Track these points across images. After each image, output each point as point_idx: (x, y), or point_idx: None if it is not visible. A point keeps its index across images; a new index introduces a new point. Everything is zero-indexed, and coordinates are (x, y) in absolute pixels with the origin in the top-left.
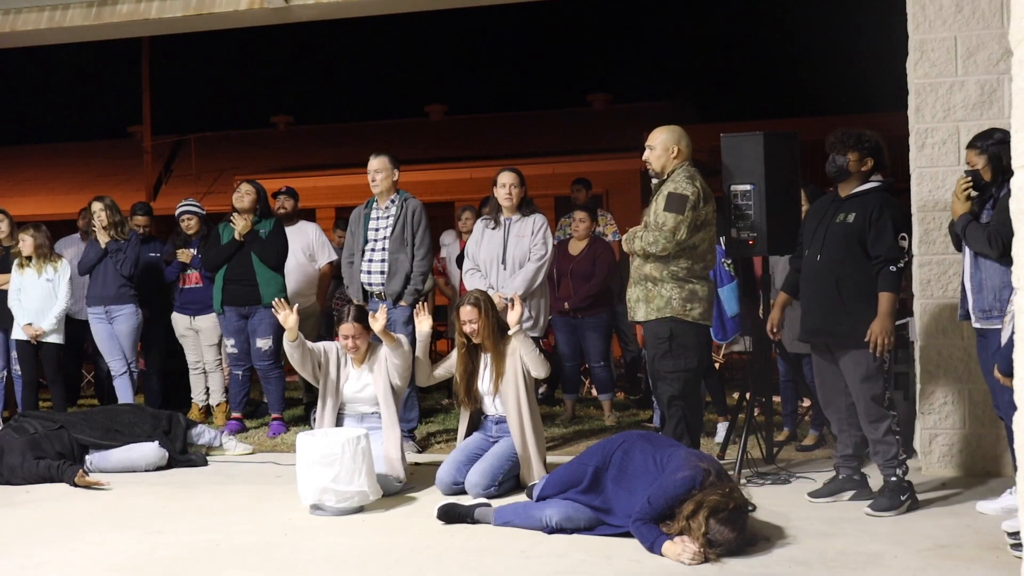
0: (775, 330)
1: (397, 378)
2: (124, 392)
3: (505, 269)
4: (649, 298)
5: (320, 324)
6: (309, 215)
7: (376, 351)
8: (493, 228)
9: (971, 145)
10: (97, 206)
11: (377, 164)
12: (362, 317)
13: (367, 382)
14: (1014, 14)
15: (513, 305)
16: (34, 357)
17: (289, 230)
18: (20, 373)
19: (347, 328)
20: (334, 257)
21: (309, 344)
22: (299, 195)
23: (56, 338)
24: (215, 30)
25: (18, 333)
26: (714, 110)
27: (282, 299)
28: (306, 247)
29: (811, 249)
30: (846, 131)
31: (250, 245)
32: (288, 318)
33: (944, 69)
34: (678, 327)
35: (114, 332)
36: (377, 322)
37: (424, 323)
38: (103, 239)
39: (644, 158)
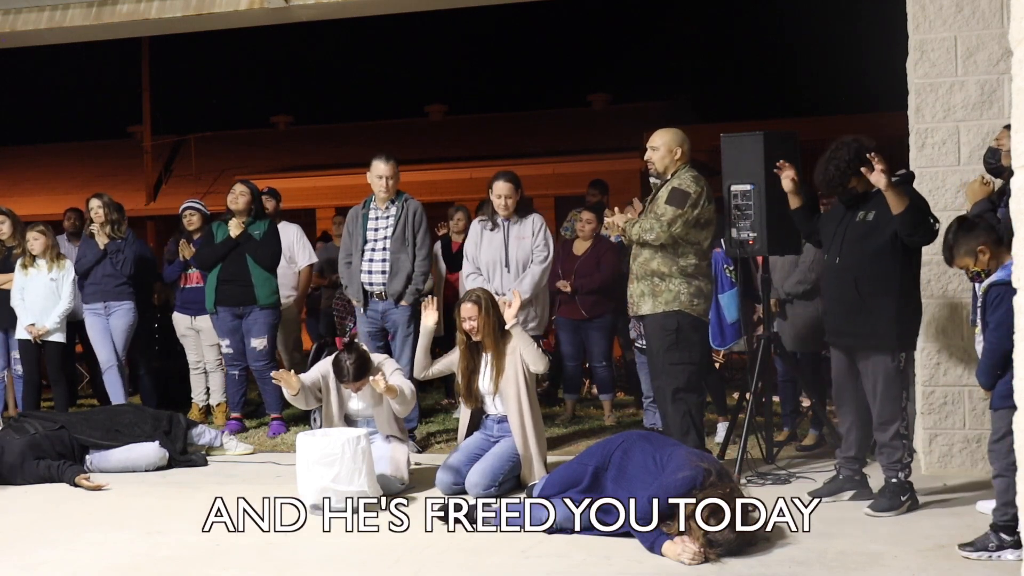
0: None
1: (399, 414)
2: (114, 385)
3: (509, 272)
4: (656, 292)
5: (299, 327)
6: (309, 215)
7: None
8: (492, 230)
9: (1009, 126)
10: (95, 203)
11: (389, 170)
12: (361, 372)
13: (369, 403)
14: (1014, 14)
15: (510, 302)
16: (37, 357)
17: None
18: (21, 373)
19: (348, 386)
20: (314, 260)
21: (307, 381)
22: (289, 196)
23: (59, 337)
24: (215, 30)
25: (20, 333)
26: (714, 110)
27: (280, 371)
28: (287, 248)
29: (829, 253)
30: (841, 159)
31: (244, 246)
32: (291, 381)
33: (944, 69)
34: (685, 320)
35: (108, 327)
36: (378, 385)
37: (429, 317)
38: (102, 239)
39: (647, 158)
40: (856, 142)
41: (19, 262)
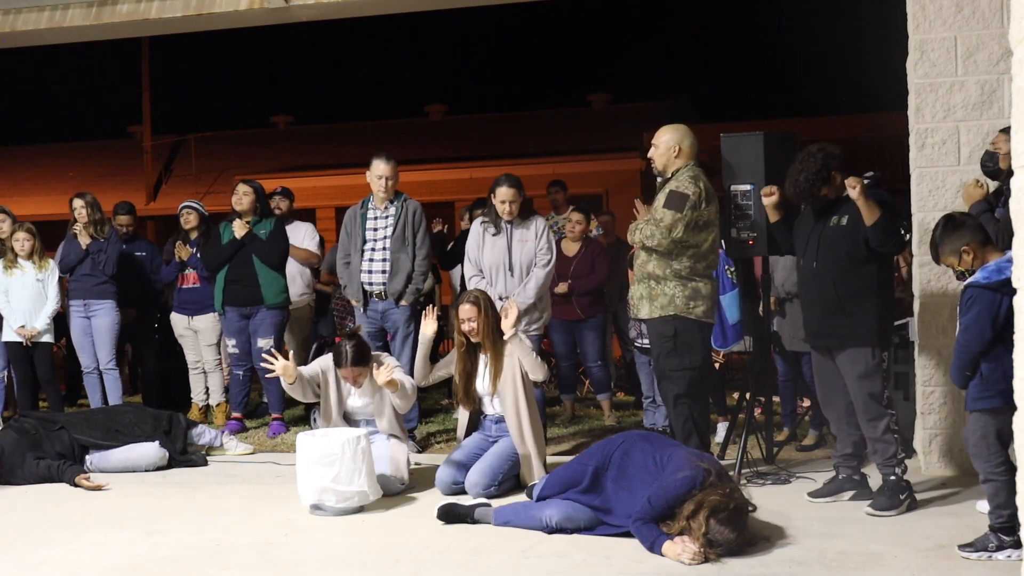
0: None
1: (400, 409)
2: (93, 390)
3: (512, 276)
4: (653, 296)
5: (311, 322)
6: (309, 215)
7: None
8: (494, 234)
9: (1005, 129)
10: (78, 203)
11: (389, 170)
12: (360, 359)
13: (369, 400)
14: (1014, 14)
15: (508, 312)
16: (27, 358)
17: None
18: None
19: (346, 372)
20: (314, 247)
21: (306, 373)
22: (295, 195)
23: (49, 338)
24: (215, 30)
25: (8, 335)
26: (714, 110)
27: (271, 351)
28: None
29: (806, 257)
30: (810, 170)
31: (250, 246)
32: (287, 369)
33: (944, 69)
34: (682, 325)
35: (90, 329)
36: (381, 376)
37: (428, 326)
38: (84, 239)
39: (648, 155)
40: (822, 151)
41: (0, 263)
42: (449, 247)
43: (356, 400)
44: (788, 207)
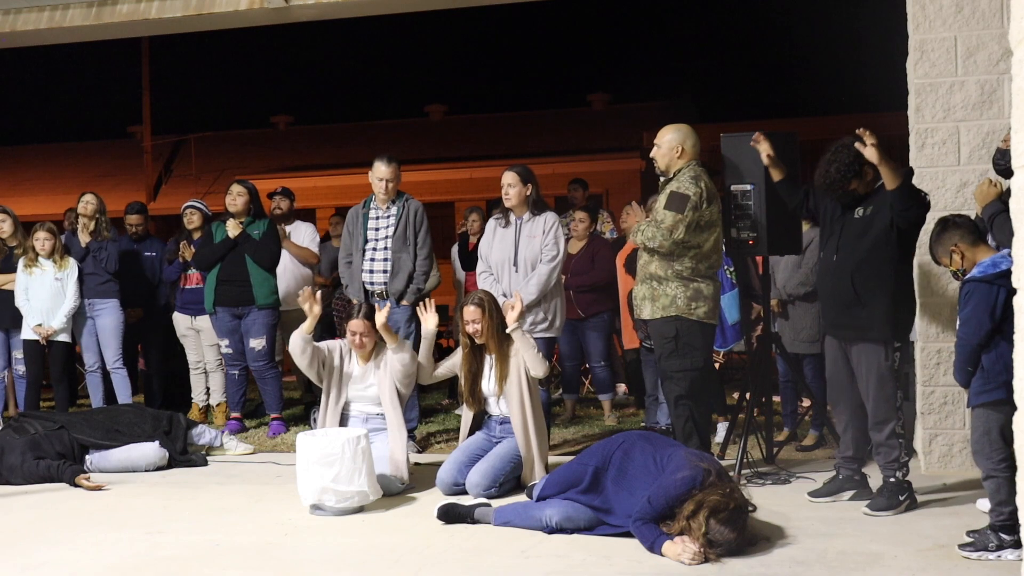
0: None
1: (400, 384)
2: (94, 390)
3: (517, 271)
4: (655, 296)
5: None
6: (309, 215)
7: (383, 352)
8: (504, 227)
9: None
10: (90, 197)
11: (390, 172)
12: (372, 315)
13: (371, 382)
14: (1014, 14)
15: (513, 305)
16: (41, 357)
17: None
18: (22, 372)
19: (356, 324)
20: (314, 248)
21: (315, 343)
22: (295, 195)
23: (65, 337)
24: (215, 30)
25: (26, 333)
26: (714, 110)
27: (310, 290)
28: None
29: (826, 251)
30: (841, 161)
31: (243, 246)
32: (314, 307)
33: (944, 69)
34: (683, 326)
35: (95, 328)
36: (380, 315)
37: (429, 320)
38: (84, 237)
39: (651, 155)
40: (855, 143)
41: (21, 262)
42: (471, 248)
43: (358, 381)
44: (789, 163)
